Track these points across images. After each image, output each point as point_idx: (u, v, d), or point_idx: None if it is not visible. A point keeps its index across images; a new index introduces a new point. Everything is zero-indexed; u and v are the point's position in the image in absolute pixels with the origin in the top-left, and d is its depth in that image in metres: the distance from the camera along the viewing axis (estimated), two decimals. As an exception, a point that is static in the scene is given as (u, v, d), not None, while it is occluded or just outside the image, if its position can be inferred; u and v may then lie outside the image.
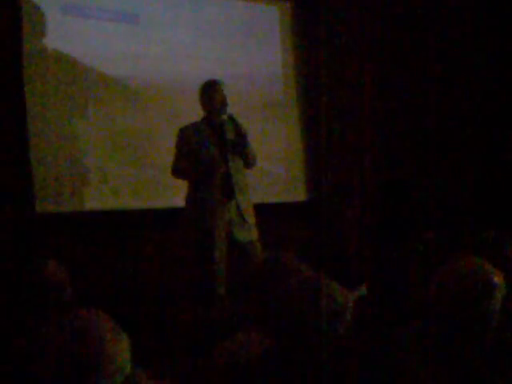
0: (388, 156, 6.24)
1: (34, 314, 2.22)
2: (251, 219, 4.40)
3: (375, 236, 5.91)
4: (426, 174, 6.19)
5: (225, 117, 4.32)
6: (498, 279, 1.99)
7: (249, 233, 4.38)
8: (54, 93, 5.05)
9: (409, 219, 5.83)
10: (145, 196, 5.36)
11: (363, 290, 3.17)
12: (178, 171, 4.38)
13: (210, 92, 4.35)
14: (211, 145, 4.30)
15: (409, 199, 6.07)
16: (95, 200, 5.18)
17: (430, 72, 6.23)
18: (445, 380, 1.80)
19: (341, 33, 6.13)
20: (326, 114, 6.06)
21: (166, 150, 5.27)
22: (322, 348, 1.71)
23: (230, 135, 4.32)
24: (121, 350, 1.33)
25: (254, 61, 5.89)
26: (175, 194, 5.12)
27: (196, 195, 4.32)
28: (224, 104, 4.30)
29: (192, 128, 4.37)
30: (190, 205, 4.36)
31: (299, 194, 6.16)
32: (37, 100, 4.96)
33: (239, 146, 4.30)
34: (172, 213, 5.05)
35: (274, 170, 5.90)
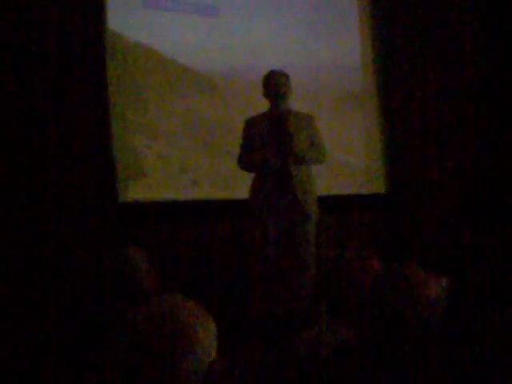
0: (468, 147, 6.08)
1: (119, 300, 2.28)
2: (312, 211, 4.30)
3: (457, 228, 5.77)
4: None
5: (283, 109, 4.26)
6: None
7: (305, 224, 4.26)
8: (135, 85, 5.15)
9: (492, 211, 5.68)
10: (224, 186, 5.40)
11: (444, 281, 3.12)
12: (240, 162, 4.41)
13: (265, 82, 4.32)
14: (266, 135, 4.25)
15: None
16: (175, 190, 5.25)
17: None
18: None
19: (420, 22, 6.01)
20: (405, 105, 5.96)
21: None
22: (412, 338, 1.68)
23: (293, 128, 4.25)
24: (208, 333, 1.34)
25: (333, 51, 5.85)
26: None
27: (256, 185, 4.32)
28: (278, 93, 4.23)
29: (254, 119, 4.37)
30: (250, 195, 4.37)
31: (378, 186, 6.08)
32: (118, 92, 5.06)
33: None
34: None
35: (353, 161, 5.84)
